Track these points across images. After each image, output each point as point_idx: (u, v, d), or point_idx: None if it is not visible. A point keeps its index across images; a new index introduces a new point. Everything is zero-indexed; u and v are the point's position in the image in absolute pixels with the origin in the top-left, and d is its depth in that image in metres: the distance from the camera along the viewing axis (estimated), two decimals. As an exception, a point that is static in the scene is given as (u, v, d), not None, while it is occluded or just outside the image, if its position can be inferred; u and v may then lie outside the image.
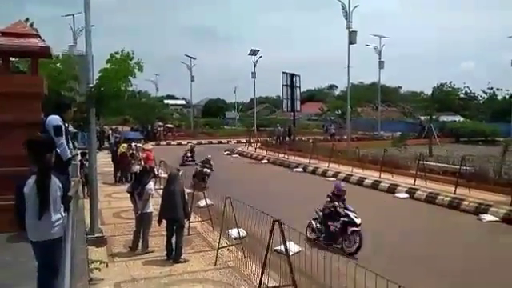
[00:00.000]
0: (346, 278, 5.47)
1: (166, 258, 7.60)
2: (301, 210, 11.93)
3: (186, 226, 9.17)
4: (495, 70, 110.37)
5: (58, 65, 11.63)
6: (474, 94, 63.41)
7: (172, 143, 39.07)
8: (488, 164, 16.09)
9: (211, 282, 6.65)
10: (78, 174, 9.56)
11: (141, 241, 8.06)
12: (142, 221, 8.08)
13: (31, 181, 4.13)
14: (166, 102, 68.41)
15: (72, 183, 4.67)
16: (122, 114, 39.84)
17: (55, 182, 4.20)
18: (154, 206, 8.36)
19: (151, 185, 8.37)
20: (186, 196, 8.28)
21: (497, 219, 11.10)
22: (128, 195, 8.72)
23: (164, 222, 7.86)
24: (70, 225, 4.27)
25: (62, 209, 4.31)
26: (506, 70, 39.45)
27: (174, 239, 7.66)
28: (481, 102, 61.80)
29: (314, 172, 20.63)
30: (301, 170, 21.57)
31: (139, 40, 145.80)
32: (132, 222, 8.85)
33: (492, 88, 58.54)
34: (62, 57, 12.68)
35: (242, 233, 8.45)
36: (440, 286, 7.01)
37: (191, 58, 50.15)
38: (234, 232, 8.51)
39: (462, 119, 48.28)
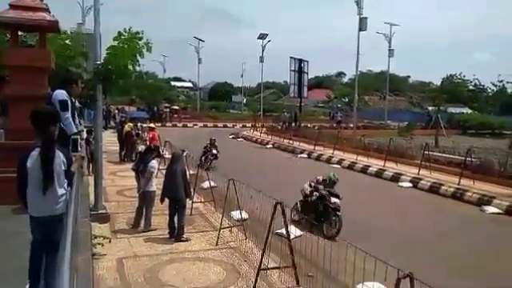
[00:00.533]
0: (346, 263, 5.50)
1: (168, 236, 7.68)
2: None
3: (189, 206, 9.24)
4: (506, 63, 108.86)
5: (67, 41, 11.58)
6: (483, 86, 62.89)
7: (178, 125, 39.23)
8: (494, 156, 16.00)
9: (212, 260, 6.72)
10: (84, 150, 9.56)
11: (143, 218, 8.14)
12: (145, 199, 8.15)
13: (35, 153, 3.99)
14: (172, 83, 68.30)
15: (73, 159, 4.60)
16: (129, 93, 39.88)
17: (59, 156, 4.08)
18: (157, 185, 8.41)
19: (154, 163, 8.42)
20: (188, 176, 8.32)
21: (500, 211, 11.09)
22: (132, 174, 8.79)
23: (167, 200, 7.94)
24: (72, 198, 4.25)
25: (66, 184, 4.20)
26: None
27: (176, 218, 7.73)
28: (490, 94, 61.27)
29: (318, 158, 20.63)
30: (305, 155, 21.57)
31: (148, 21, 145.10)
32: (135, 200, 8.92)
33: (502, 81, 58.02)
34: (70, 33, 12.64)
35: (244, 215, 8.51)
36: (439, 274, 7.04)
37: (200, 40, 49.96)
38: (236, 214, 8.56)
39: (470, 111, 47.90)
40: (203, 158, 16.12)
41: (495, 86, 59.77)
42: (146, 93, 41.87)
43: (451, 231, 9.60)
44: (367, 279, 4.95)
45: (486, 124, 37.40)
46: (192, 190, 8.75)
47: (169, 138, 17.24)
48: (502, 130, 36.07)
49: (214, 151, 16.75)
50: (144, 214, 8.15)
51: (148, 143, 16.21)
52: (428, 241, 8.73)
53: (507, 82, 56.92)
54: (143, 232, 7.94)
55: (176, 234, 7.63)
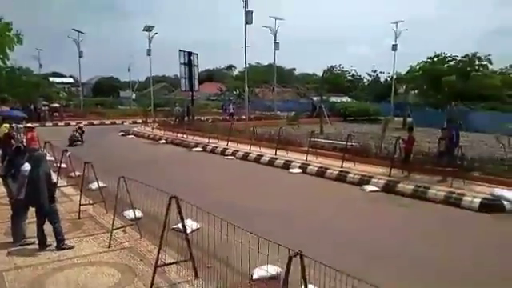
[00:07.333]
0: (241, 250, 5.63)
1: (37, 247, 6.91)
2: (198, 185, 11.97)
3: (76, 209, 8.70)
4: (380, 54, 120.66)
5: None
6: (360, 76, 69.03)
7: (59, 124, 36.26)
8: (370, 140, 17.67)
9: (105, 263, 6.39)
10: None
11: (17, 230, 7.18)
12: (19, 208, 7.18)
13: None
14: (51, 79, 62.75)
15: None
16: (0, 92, 35.82)
17: None
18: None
19: (27, 166, 7.32)
20: (54, 179, 7.51)
21: (377, 189, 12.30)
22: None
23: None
24: None
25: None
26: (388, 54, 43.42)
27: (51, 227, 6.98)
28: (366, 83, 67.39)
29: (213, 151, 20.72)
30: (200, 149, 21.52)
31: (19, 9, 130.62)
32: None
33: (376, 71, 64.13)
34: None
35: (138, 213, 8.22)
36: (329, 251, 7.59)
37: (79, 32, 46.49)
38: (129, 213, 8.24)
39: (349, 100, 52.04)
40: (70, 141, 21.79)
41: (370, 76, 65.96)
42: (20, 90, 37.85)
43: (335, 209, 10.41)
44: (262, 263, 5.14)
45: (363, 111, 40.87)
46: (56, 192, 7.78)
47: (49, 138, 15.86)
48: (377, 115, 39.78)
49: (77, 134, 22.98)
50: (17, 224, 7.19)
51: (26, 145, 14.77)
52: (313, 217, 9.37)
53: (380, 72, 63.17)
54: (19, 246, 7.06)
55: (57, 243, 6.93)
